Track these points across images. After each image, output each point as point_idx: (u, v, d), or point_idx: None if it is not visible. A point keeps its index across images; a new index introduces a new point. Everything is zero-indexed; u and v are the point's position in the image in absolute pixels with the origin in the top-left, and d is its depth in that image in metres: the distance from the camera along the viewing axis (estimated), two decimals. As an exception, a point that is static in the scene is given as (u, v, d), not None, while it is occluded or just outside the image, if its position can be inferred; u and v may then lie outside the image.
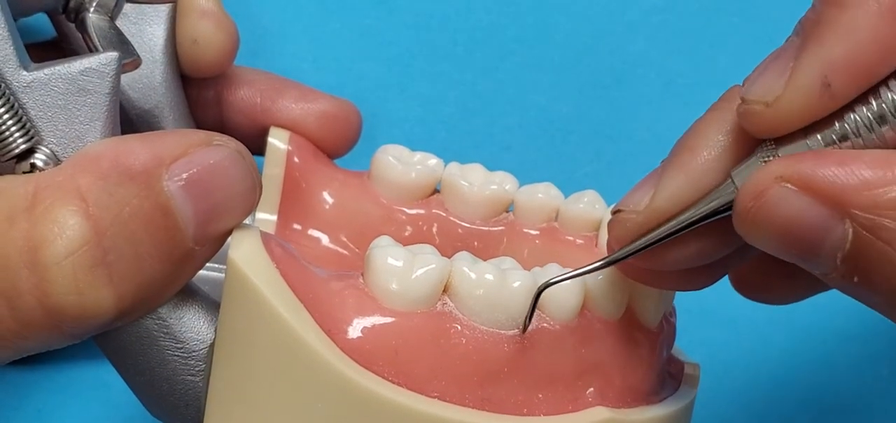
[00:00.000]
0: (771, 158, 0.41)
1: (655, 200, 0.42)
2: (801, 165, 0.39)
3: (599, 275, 0.46)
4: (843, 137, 0.40)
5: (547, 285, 0.44)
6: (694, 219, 0.42)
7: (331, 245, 0.60)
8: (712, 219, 0.42)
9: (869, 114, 0.39)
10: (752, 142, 0.42)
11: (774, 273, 0.50)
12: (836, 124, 0.40)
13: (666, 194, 0.42)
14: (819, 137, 0.40)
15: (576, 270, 0.45)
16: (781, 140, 0.41)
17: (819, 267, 0.40)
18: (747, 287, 0.52)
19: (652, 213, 0.43)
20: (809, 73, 0.39)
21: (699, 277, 0.45)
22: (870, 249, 0.38)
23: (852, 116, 0.40)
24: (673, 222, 0.42)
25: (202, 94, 0.65)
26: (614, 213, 0.44)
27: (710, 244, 0.43)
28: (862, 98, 0.40)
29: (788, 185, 0.39)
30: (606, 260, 0.44)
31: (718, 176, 0.42)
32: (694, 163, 0.42)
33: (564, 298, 0.45)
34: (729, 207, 0.41)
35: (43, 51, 0.62)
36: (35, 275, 0.41)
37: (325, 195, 0.61)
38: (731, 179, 0.41)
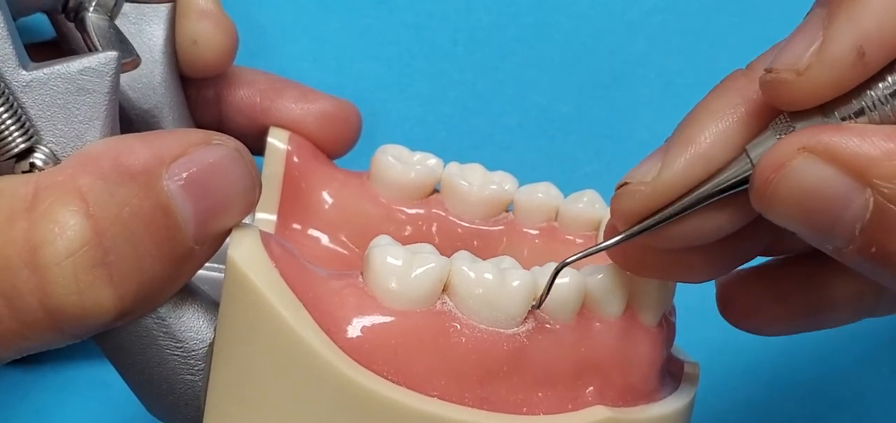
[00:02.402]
0: (787, 132, 0.41)
1: (663, 173, 0.42)
2: (823, 135, 0.39)
3: (599, 274, 0.46)
4: (859, 112, 0.40)
5: (564, 264, 0.44)
6: (709, 193, 0.42)
7: (330, 245, 0.60)
8: (726, 194, 0.42)
9: (884, 89, 0.40)
10: (759, 118, 0.42)
11: (763, 296, 0.51)
12: (853, 100, 0.40)
13: (673, 167, 0.42)
14: (835, 112, 0.40)
15: (592, 247, 0.45)
16: (797, 116, 0.41)
17: (835, 241, 0.40)
18: (737, 315, 0.52)
19: (659, 184, 0.42)
20: (844, 41, 0.39)
21: (701, 266, 0.45)
22: (890, 218, 0.39)
23: (869, 92, 0.40)
24: (687, 198, 0.42)
25: (202, 94, 0.65)
26: (619, 187, 0.44)
27: (720, 220, 0.43)
28: (877, 73, 0.40)
29: (811, 155, 0.39)
30: (625, 234, 0.44)
31: (726, 150, 0.42)
32: (700, 138, 0.42)
33: (564, 297, 0.45)
34: (743, 182, 0.42)
35: (42, 51, 0.62)
36: (35, 275, 0.41)
37: (325, 195, 0.61)
38: (745, 153, 0.41)
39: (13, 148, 0.44)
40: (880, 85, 0.40)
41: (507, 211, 0.60)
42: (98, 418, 0.68)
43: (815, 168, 0.39)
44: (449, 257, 0.45)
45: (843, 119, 0.40)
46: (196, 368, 0.46)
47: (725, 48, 0.78)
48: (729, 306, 0.52)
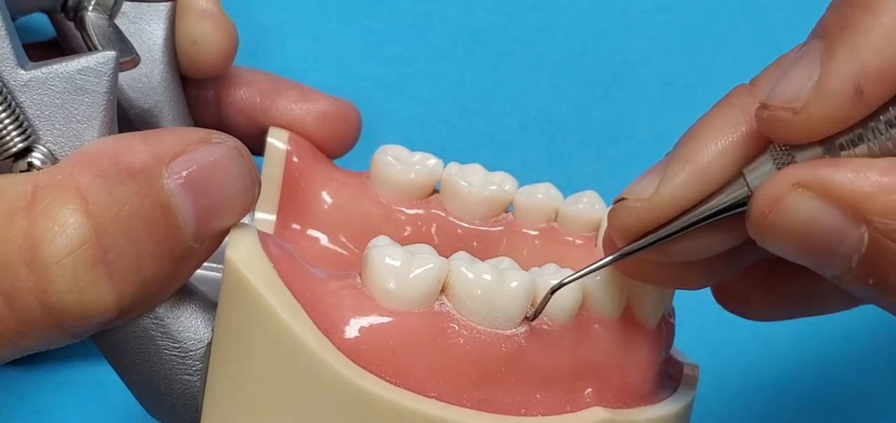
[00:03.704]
0: (783, 158, 0.41)
1: (660, 191, 0.42)
2: (818, 171, 0.39)
3: (598, 275, 0.46)
4: (858, 140, 0.40)
5: (561, 285, 0.44)
6: (705, 215, 0.42)
7: (330, 245, 0.60)
8: (722, 216, 0.42)
9: (885, 119, 0.39)
10: (761, 137, 0.42)
11: (755, 286, 0.51)
12: (852, 129, 0.40)
13: (671, 185, 0.42)
14: (834, 140, 0.40)
15: (588, 266, 0.45)
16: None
17: (833, 270, 0.40)
18: (728, 299, 0.52)
19: (657, 202, 0.42)
20: (841, 78, 0.39)
21: (698, 276, 0.45)
22: (886, 252, 0.39)
23: (868, 122, 0.40)
24: (685, 218, 0.42)
25: (201, 94, 0.65)
26: (617, 201, 0.44)
27: (716, 239, 0.43)
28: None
29: (805, 191, 0.39)
30: (618, 253, 0.44)
31: (724, 170, 0.42)
32: (699, 156, 0.42)
33: (562, 298, 0.45)
34: (740, 204, 0.42)
35: (42, 51, 0.62)
36: (35, 274, 0.41)
37: (325, 195, 0.61)
38: (743, 177, 0.41)
39: (11, 147, 0.43)
40: (881, 116, 0.40)
41: (506, 212, 0.60)
42: (97, 418, 0.68)
43: (810, 204, 0.39)
44: (448, 257, 0.45)
45: (842, 148, 0.40)
46: (194, 368, 0.46)
47: (725, 48, 0.78)
48: (721, 291, 0.52)
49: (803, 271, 0.51)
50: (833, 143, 0.40)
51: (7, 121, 0.43)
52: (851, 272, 0.40)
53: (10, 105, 0.44)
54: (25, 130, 0.44)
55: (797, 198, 0.40)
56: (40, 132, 0.44)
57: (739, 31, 0.79)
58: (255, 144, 0.62)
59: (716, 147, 0.42)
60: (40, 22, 0.64)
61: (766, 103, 0.40)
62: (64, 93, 0.45)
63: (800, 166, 0.40)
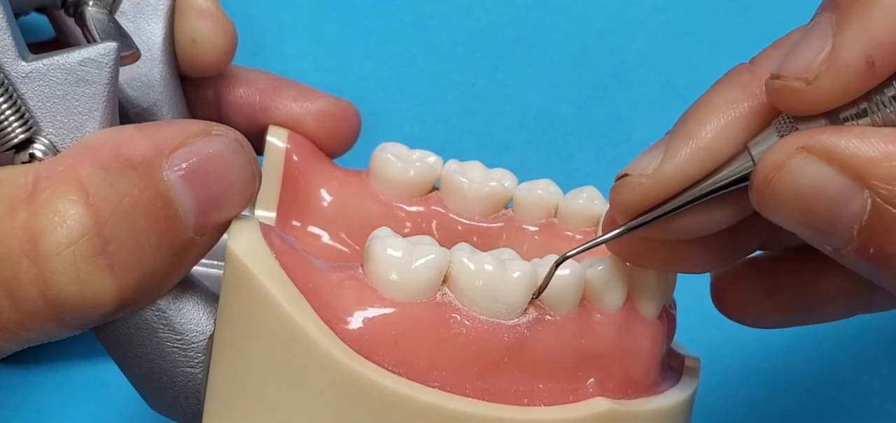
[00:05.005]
0: (788, 131, 0.41)
1: (664, 166, 0.42)
2: (822, 136, 0.39)
3: (599, 266, 0.46)
4: (862, 113, 0.40)
5: (565, 258, 0.44)
6: (710, 189, 0.42)
7: (330, 242, 0.60)
8: (727, 190, 0.42)
9: (889, 92, 0.40)
10: (762, 114, 0.42)
11: (755, 290, 0.51)
12: (856, 102, 0.40)
13: (674, 161, 0.42)
14: (838, 113, 0.40)
15: (592, 240, 0.45)
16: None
17: (834, 241, 0.40)
18: (728, 305, 0.52)
19: (660, 177, 0.42)
20: (854, 50, 0.39)
21: (700, 257, 0.45)
22: (887, 220, 0.39)
23: (874, 96, 0.40)
24: (688, 193, 0.42)
25: (201, 93, 0.65)
26: (620, 178, 0.44)
27: (719, 215, 0.43)
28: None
29: (810, 155, 0.39)
30: (624, 228, 0.44)
31: (726, 146, 0.42)
32: (702, 131, 0.42)
33: (564, 288, 0.45)
34: (743, 179, 0.42)
35: (42, 50, 0.62)
36: (36, 265, 0.41)
37: (324, 193, 0.61)
38: (747, 151, 0.42)
39: (12, 139, 0.43)
40: (885, 90, 0.40)
41: (506, 208, 0.60)
42: (97, 418, 0.68)
43: (814, 168, 0.40)
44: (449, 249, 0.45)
45: (845, 120, 0.40)
46: (196, 360, 0.46)
47: (726, 48, 0.78)
48: (722, 298, 0.52)
49: (804, 272, 0.51)
50: (837, 116, 0.40)
51: (8, 112, 0.43)
52: (852, 243, 0.40)
53: (11, 96, 0.44)
54: (27, 122, 0.44)
55: (801, 161, 0.40)
56: (42, 124, 0.44)
57: (739, 32, 0.79)
58: (255, 143, 0.61)
59: (718, 123, 0.42)
60: (40, 22, 0.64)
61: (779, 73, 0.40)
62: (65, 84, 0.45)
63: (804, 132, 0.40)
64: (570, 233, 0.58)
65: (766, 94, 0.41)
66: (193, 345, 0.46)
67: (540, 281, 0.44)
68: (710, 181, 0.42)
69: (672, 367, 0.51)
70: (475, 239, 0.59)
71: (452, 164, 0.59)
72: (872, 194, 0.39)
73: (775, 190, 0.40)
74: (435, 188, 0.60)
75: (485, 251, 0.46)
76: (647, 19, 0.79)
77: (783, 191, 0.40)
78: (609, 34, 0.79)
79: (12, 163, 0.44)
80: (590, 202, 0.57)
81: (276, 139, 0.62)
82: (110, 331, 0.46)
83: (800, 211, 0.40)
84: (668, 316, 0.50)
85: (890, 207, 0.39)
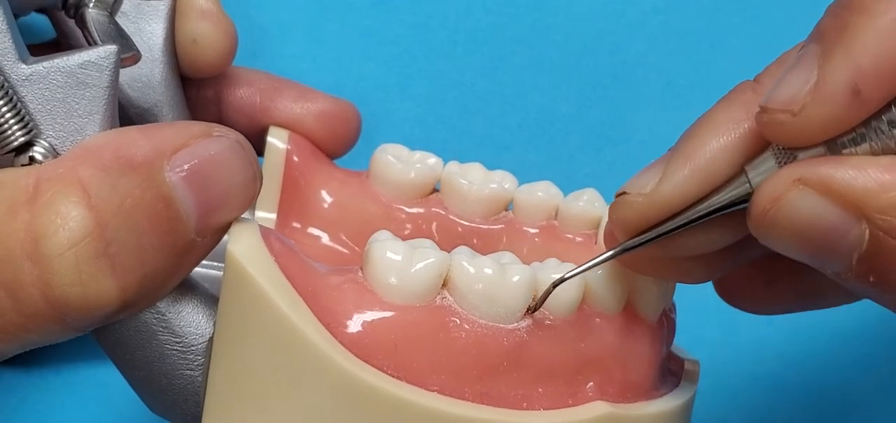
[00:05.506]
0: (785, 156, 0.41)
1: (661, 186, 0.42)
2: (819, 168, 0.39)
3: (599, 269, 0.46)
4: (860, 139, 0.40)
5: (563, 280, 0.44)
6: (707, 211, 0.42)
7: (330, 244, 0.60)
8: (724, 212, 0.42)
9: (886, 120, 0.39)
10: (762, 136, 0.42)
11: (755, 280, 0.51)
12: (854, 130, 0.40)
13: (672, 181, 0.42)
14: (836, 139, 0.40)
15: (587, 262, 0.45)
16: None
17: (833, 267, 0.41)
18: (729, 293, 0.52)
19: (657, 197, 0.43)
20: (839, 80, 0.39)
21: (698, 270, 0.45)
22: (886, 249, 0.39)
23: (871, 122, 0.40)
24: (686, 214, 0.42)
25: (201, 93, 0.65)
26: (619, 195, 0.44)
27: (717, 235, 0.43)
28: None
29: (807, 188, 0.39)
30: (619, 248, 0.44)
31: (725, 168, 0.42)
32: (701, 152, 0.42)
33: (564, 292, 0.45)
34: (742, 201, 0.42)
35: (42, 51, 0.62)
36: (38, 267, 0.41)
37: (324, 194, 0.61)
38: (744, 174, 0.41)
39: (13, 141, 0.43)
40: (883, 116, 0.40)
41: (506, 210, 0.60)
42: (98, 419, 0.68)
43: (811, 201, 0.40)
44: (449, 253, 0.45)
45: (844, 147, 0.40)
46: (195, 363, 0.46)
47: (725, 48, 0.78)
48: (721, 285, 0.52)
49: (803, 266, 0.51)
50: (835, 143, 0.40)
51: (8, 115, 0.43)
52: (852, 270, 0.40)
53: (11, 99, 0.44)
54: (27, 124, 0.44)
55: (798, 195, 0.40)
56: (42, 126, 0.44)
57: (739, 31, 0.79)
58: (255, 144, 0.61)
59: (718, 144, 0.42)
60: (41, 23, 0.64)
61: (765, 106, 0.40)
62: (65, 87, 0.45)
63: (801, 163, 0.40)
64: (570, 235, 0.58)
65: (758, 126, 0.41)
66: (193, 347, 0.46)
67: (539, 285, 0.44)
68: (706, 203, 0.42)
69: (672, 371, 0.51)
70: (475, 241, 0.58)
71: (453, 165, 0.59)
72: (870, 225, 0.39)
73: (773, 222, 0.40)
74: (435, 190, 0.60)
75: (485, 254, 0.46)
76: (647, 19, 0.79)
77: (781, 223, 0.40)
78: (609, 34, 0.79)
79: (13, 165, 0.44)
80: (590, 204, 0.57)
81: (277, 140, 0.62)
82: (110, 333, 0.46)
83: (798, 242, 0.40)
84: (667, 320, 0.50)
85: (889, 238, 0.39)
